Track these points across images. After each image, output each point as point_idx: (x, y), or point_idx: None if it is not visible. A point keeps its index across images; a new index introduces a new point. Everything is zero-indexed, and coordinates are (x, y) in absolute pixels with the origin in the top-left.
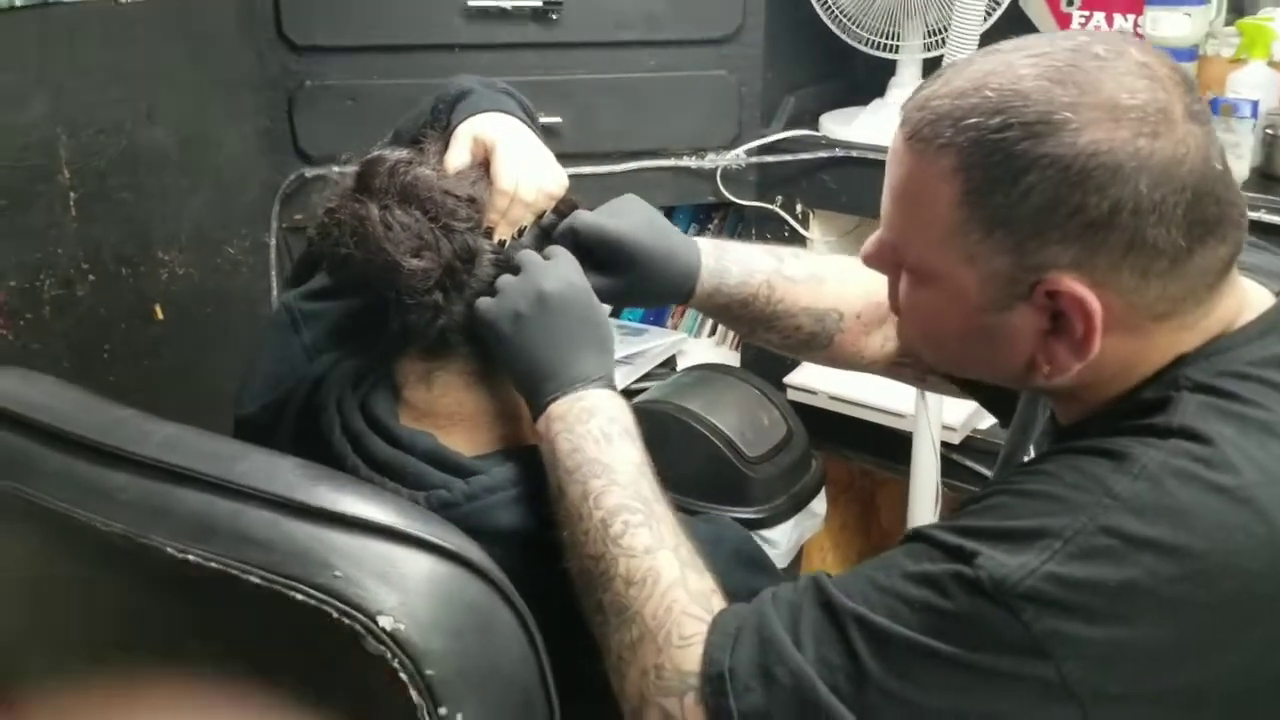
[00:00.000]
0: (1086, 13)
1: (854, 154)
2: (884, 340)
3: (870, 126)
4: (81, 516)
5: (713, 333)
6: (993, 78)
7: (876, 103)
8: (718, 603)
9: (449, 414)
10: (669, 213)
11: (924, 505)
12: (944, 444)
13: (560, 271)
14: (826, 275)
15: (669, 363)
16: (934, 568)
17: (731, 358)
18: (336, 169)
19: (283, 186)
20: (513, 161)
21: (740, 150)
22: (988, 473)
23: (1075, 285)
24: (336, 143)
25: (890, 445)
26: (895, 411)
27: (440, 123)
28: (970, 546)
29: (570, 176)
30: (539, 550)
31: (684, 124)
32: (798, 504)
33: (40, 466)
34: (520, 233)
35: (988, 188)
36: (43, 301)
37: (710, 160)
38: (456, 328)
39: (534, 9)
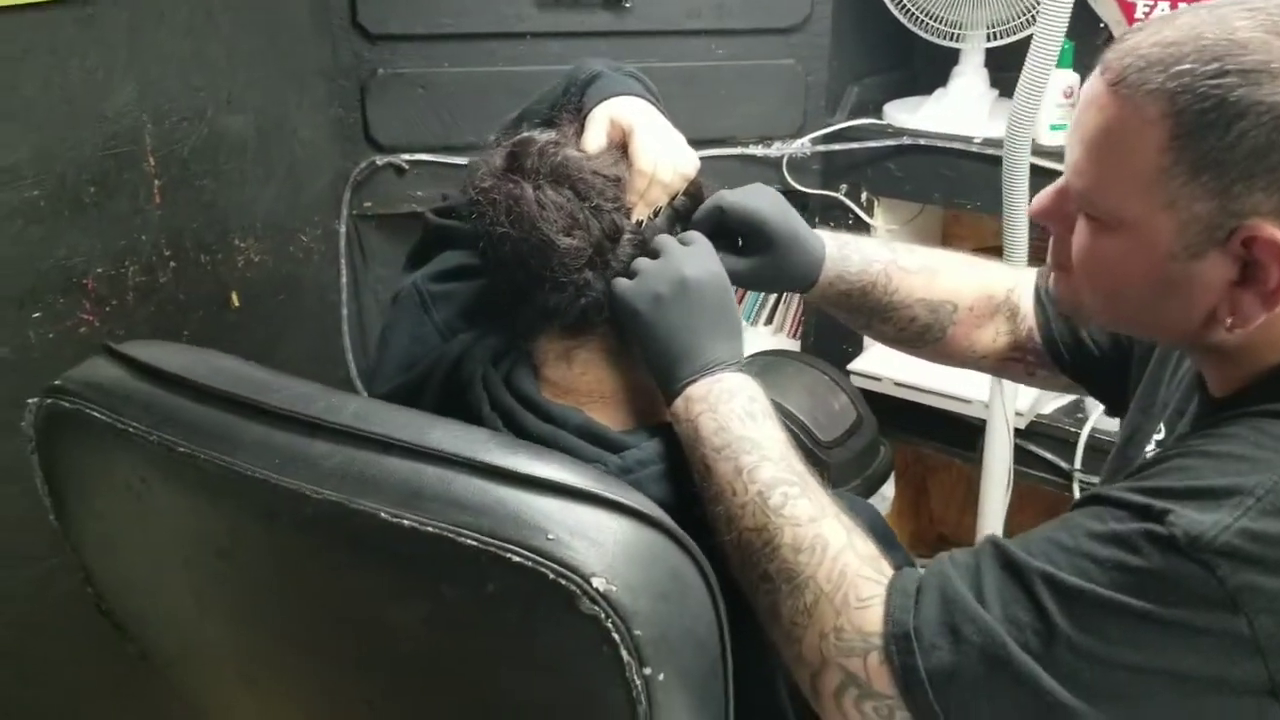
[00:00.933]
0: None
1: (921, 142)
2: (995, 334)
3: (935, 115)
4: (290, 484)
5: (769, 321)
6: (1207, 28)
7: (940, 92)
8: (886, 567)
9: (589, 391)
10: None
11: (996, 490)
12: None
13: (700, 258)
14: (939, 268)
15: None
16: (1122, 527)
17: (791, 346)
18: (477, 158)
19: (353, 174)
20: (651, 144)
21: (806, 139)
22: (1051, 457)
23: (1277, 233)
24: (407, 131)
25: (954, 431)
26: (960, 397)
27: (572, 105)
28: (1160, 505)
29: None
30: (683, 525)
31: (751, 112)
32: (870, 488)
33: (239, 437)
34: (656, 213)
35: (1200, 132)
36: (127, 288)
37: (776, 148)
38: (598, 306)
39: None
